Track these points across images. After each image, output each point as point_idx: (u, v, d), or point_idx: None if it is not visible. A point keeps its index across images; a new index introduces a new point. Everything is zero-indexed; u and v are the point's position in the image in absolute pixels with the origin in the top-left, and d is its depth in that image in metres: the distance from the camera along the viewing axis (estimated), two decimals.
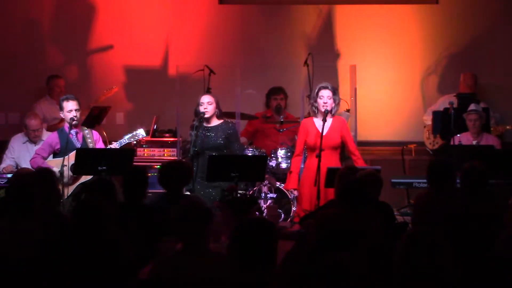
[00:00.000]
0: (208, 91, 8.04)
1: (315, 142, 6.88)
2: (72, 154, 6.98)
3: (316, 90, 7.03)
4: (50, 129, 8.35)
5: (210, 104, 7.16)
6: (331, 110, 7.01)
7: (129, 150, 7.30)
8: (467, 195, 5.64)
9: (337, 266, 3.33)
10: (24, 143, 8.00)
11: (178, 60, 8.96)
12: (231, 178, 6.52)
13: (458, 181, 6.02)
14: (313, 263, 3.43)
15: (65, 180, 6.96)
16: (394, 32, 9.32)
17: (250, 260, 3.62)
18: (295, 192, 7.16)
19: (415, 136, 9.08)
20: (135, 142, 7.94)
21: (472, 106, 7.86)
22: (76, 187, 7.12)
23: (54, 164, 7.09)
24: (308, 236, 4.51)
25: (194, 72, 8.43)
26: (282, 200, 7.68)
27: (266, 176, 7.43)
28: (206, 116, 7.15)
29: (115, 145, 7.30)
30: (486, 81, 9.02)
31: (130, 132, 7.46)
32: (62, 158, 7.02)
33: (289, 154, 7.91)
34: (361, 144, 8.34)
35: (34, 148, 7.73)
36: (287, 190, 7.49)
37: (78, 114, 7.28)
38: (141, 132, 7.44)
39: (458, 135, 7.78)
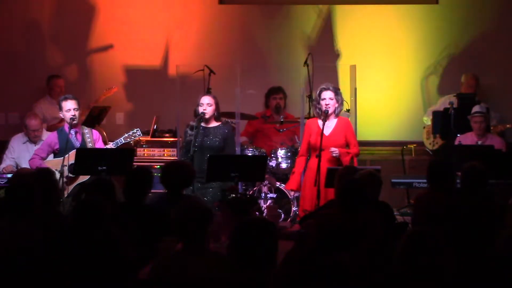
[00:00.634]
0: (208, 92, 8.04)
1: (317, 142, 6.89)
2: (72, 154, 6.99)
3: (318, 92, 7.05)
4: (50, 129, 8.35)
5: (210, 106, 7.17)
6: (334, 110, 7.02)
7: (129, 150, 7.30)
8: (467, 195, 5.64)
9: (337, 266, 3.32)
10: (24, 143, 8.00)
11: (178, 60, 8.96)
12: (231, 178, 6.52)
13: (458, 181, 6.02)
14: (313, 263, 3.43)
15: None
16: (394, 32, 9.32)
17: (250, 260, 3.62)
18: (292, 193, 7.17)
19: (415, 136, 9.08)
20: (131, 142, 7.94)
21: (476, 108, 7.84)
22: (74, 187, 7.12)
23: (52, 164, 7.09)
24: (308, 236, 4.51)
25: (194, 72, 8.43)
26: (282, 200, 7.68)
27: (266, 176, 7.43)
28: (205, 117, 7.16)
29: (111, 145, 7.30)
30: (486, 81, 9.02)
31: (127, 132, 7.48)
32: (60, 158, 7.03)
33: (289, 154, 7.91)
34: (361, 144, 8.31)
35: (34, 148, 7.73)
36: (287, 190, 7.50)
37: (77, 113, 7.28)
38: (137, 132, 7.45)
39: (459, 135, 7.78)
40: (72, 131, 7.24)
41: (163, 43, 9.47)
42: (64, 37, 9.53)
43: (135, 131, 7.44)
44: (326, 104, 6.96)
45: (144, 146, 8.34)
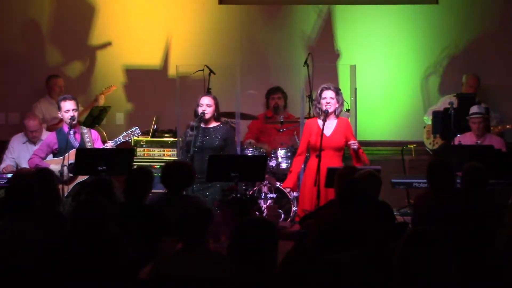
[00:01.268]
0: (208, 92, 8.04)
1: (317, 141, 6.89)
2: (71, 153, 6.99)
3: (319, 91, 7.05)
4: (49, 129, 8.36)
5: (210, 107, 7.19)
6: (334, 111, 7.02)
7: (129, 150, 7.30)
8: (467, 195, 5.64)
9: (337, 266, 3.32)
10: (24, 143, 8.00)
11: (178, 60, 8.95)
12: (231, 178, 6.52)
13: (458, 181, 6.02)
14: (313, 263, 3.43)
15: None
16: (394, 32, 9.32)
17: (250, 260, 3.62)
18: (287, 190, 7.18)
19: (415, 136, 9.07)
20: (130, 140, 7.96)
21: (474, 109, 7.84)
22: (74, 187, 7.12)
23: (52, 163, 7.10)
24: (308, 236, 4.51)
25: (194, 72, 8.43)
26: (282, 200, 7.68)
27: (266, 176, 7.43)
28: (205, 117, 7.17)
29: (110, 143, 7.31)
30: (486, 81, 9.01)
31: (126, 131, 7.50)
32: (60, 157, 7.03)
33: (289, 154, 7.91)
34: (361, 144, 8.30)
35: (34, 148, 7.74)
36: (285, 189, 7.50)
37: (76, 114, 7.29)
38: (136, 130, 7.46)
39: (459, 135, 7.78)
40: (71, 131, 7.25)
41: (163, 43, 9.46)
42: (64, 37, 9.52)
43: (134, 129, 7.47)
44: (327, 103, 6.97)
45: (144, 146, 8.34)
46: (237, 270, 3.64)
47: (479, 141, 7.76)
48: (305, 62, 8.29)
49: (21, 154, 7.94)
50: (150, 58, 9.48)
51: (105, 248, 4.26)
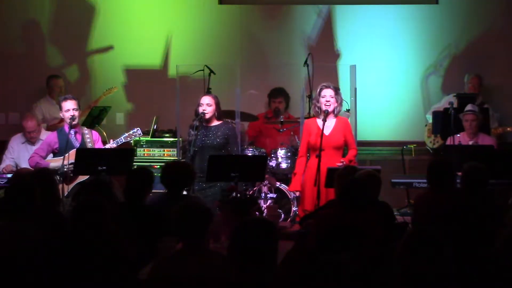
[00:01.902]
0: (208, 92, 8.04)
1: (317, 142, 6.89)
2: (72, 153, 6.99)
3: (318, 90, 7.06)
4: (50, 129, 8.36)
5: (210, 106, 7.20)
6: (333, 110, 7.03)
7: (129, 150, 7.31)
8: (467, 195, 5.64)
9: (337, 266, 3.32)
10: (23, 143, 8.00)
11: (178, 60, 8.95)
12: (231, 178, 6.53)
13: (458, 181, 6.02)
14: (313, 263, 3.42)
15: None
16: (394, 32, 9.31)
17: (251, 260, 3.62)
18: (297, 194, 7.17)
19: (415, 136, 9.07)
20: (132, 141, 7.97)
21: (468, 107, 7.86)
22: (74, 187, 7.12)
23: (52, 162, 7.10)
24: (308, 236, 4.51)
25: (194, 72, 8.43)
26: (282, 200, 7.68)
27: (266, 176, 7.43)
28: (205, 117, 7.18)
29: (112, 143, 7.32)
30: (486, 81, 9.01)
31: (127, 131, 7.51)
32: (60, 157, 7.04)
33: (289, 154, 7.91)
34: (361, 144, 8.35)
35: (33, 148, 7.74)
36: (289, 191, 7.49)
37: (76, 113, 7.30)
38: (138, 131, 7.47)
39: (458, 135, 7.78)
40: (72, 131, 7.25)
41: (163, 43, 9.46)
42: (64, 37, 9.52)
43: (135, 130, 7.48)
44: (327, 101, 6.97)
45: (144, 146, 8.35)
46: (237, 270, 3.64)
47: (471, 141, 7.76)
48: (305, 62, 8.29)
49: (20, 154, 7.94)
50: (150, 58, 9.48)
51: (105, 248, 4.26)
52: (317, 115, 7.10)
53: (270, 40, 9.45)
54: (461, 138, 7.76)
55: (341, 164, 6.82)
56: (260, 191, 7.67)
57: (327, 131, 6.97)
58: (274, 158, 7.92)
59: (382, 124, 9.32)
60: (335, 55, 9.36)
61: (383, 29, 9.32)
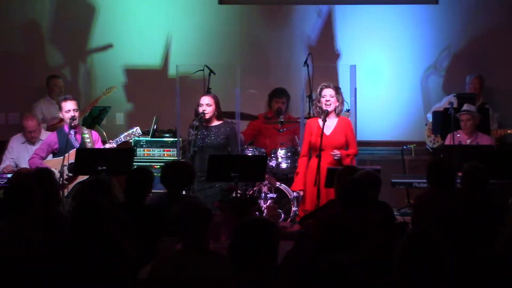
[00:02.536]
0: (208, 92, 8.04)
1: (317, 141, 6.89)
2: (71, 153, 6.99)
3: (319, 90, 7.07)
4: (49, 129, 8.36)
5: (209, 106, 7.21)
6: (335, 110, 7.03)
7: (129, 150, 7.31)
8: (467, 195, 5.64)
9: (337, 266, 3.32)
10: (23, 143, 8.01)
11: (178, 60, 8.95)
12: (231, 178, 6.53)
13: (458, 181, 6.02)
14: (313, 263, 3.42)
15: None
16: (394, 32, 9.31)
17: (251, 260, 3.62)
18: (301, 193, 7.17)
19: (415, 136, 9.08)
20: (131, 140, 7.97)
21: (464, 106, 7.88)
22: (74, 186, 7.12)
23: (52, 164, 7.10)
24: (308, 236, 4.51)
25: (194, 72, 8.43)
26: (282, 200, 7.68)
27: (266, 176, 7.43)
28: (205, 117, 7.18)
29: (112, 143, 7.32)
30: (488, 82, 9.00)
31: (126, 130, 7.51)
32: (60, 157, 7.04)
33: (289, 154, 7.91)
34: (361, 144, 8.34)
35: (33, 148, 7.74)
36: (293, 191, 7.49)
37: (76, 114, 7.31)
38: (137, 131, 7.47)
39: (458, 135, 7.78)
40: (72, 132, 7.26)
41: (163, 43, 9.46)
42: (64, 37, 9.53)
43: (134, 129, 7.48)
44: (327, 100, 6.98)
45: (144, 146, 8.35)
46: (237, 270, 3.64)
47: (468, 140, 7.77)
48: (305, 62, 8.29)
49: (20, 154, 7.94)
50: (150, 58, 9.48)
51: (105, 248, 4.26)
52: (318, 115, 7.10)
53: (270, 40, 9.45)
54: (461, 137, 7.78)
55: (334, 153, 6.82)
56: (260, 191, 7.67)
57: (328, 131, 6.97)
58: (274, 158, 7.92)
59: (382, 124, 9.32)
60: (335, 55, 9.36)
61: (383, 29, 9.32)
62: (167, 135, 8.45)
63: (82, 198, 4.70)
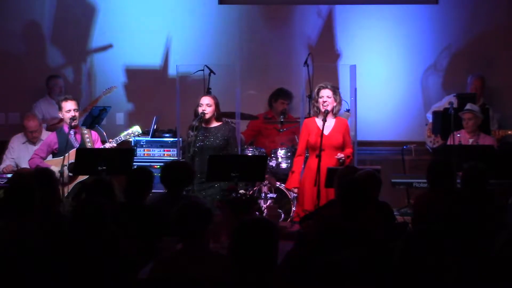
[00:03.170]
0: (208, 92, 8.04)
1: (316, 141, 6.89)
2: (71, 153, 6.99)
3: (316, 90, 7.07)
4: (49, 129, 8.36)
5: (209, 106, 7.20)
6: (332, 110, 7.03)
7: (129, 150, 7.31)
8: (467, 195, 5.64)
9: (337, 266, 3.32)
10: (23, 143, 8.01)
11: (178, 60, 8.95)
12: (231, 178, 6.53)
13: (458, 181, 6.02)
14: (313, 263, 3.42)
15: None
16: (394, 32, 9.31)
17: (251, 260, 3.62)
18: (295, 190, 7.17)
19: (415, 136, 9.08)
20: (131, 139, 7.97)
21: (467, 106, 7.89)
22: (74, 186, 7.13)
23: (53, 163, 7.10)
24: (308, 236, 4.51)
25: (194, 72, 8.43)
26: (282, 200, 7.68)
27: (266, 176, 7.43)
28: (205, 117, 7.18)
29: (112, 142, 7.32)
30: (489, 82, 9.00)
31: (126, 129, 7.52)
32: (60, 157, 7.04)
33: (289, 154, 7.92)
34: (361, 144, 8.35)
35: (34, 148, 7.75)
36: (288, 190, 7.49)
37: (76, 114, 7.31)
38: (136, 129, 7.48)
39: (459, 135, 7.78)
40: (72, 132, 7.26)
41: (163, 43, 9.46)
42: (64, 37, 9.52)
43: (134, 130, 7.48)
44: (324, 101, 6.98)
45: (144, 146, 8.35)
46: (237, 270, 3.64)
47: (471, 140, 7.78)
48: (305, 62, 8.29)
49: (20, 154, 7.94)
50: (150, 58, 9.48)
51: (105, 248, 4.26)
52: (315, 115, 7.11)
53: (270, 40, 9.45)
54: (462, 137, 7.78)
55: (339, 157, 6.85)
56: (260, 191, 7.67)
57: (326, 131, 6.97)
58: (274, 158, 7.92)
59: (382, 124, 9.32)
60: (335, 55, 9.36)
61: (383, 29, 9.32)
62: (167, 135, 8.46)
63: (82, 198, 4.70)
